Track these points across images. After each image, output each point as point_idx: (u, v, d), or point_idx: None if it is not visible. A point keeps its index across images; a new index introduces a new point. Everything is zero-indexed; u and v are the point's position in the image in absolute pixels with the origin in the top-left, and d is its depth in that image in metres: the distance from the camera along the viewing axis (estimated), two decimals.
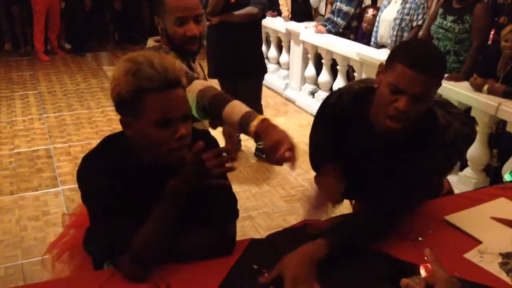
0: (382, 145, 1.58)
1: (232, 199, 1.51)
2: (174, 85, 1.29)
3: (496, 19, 4.00)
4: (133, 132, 1.34)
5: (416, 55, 1.43)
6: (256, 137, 1.47)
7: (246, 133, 1.50)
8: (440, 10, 3.94)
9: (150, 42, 1.92)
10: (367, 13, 5.10)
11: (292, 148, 1.36)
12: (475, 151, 3.58)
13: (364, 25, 5.13)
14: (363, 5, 5.53)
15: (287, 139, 1.37)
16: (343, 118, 1.66)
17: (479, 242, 1.57)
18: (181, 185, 1.34)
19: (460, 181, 3.70)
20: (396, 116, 1.46)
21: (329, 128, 1.71)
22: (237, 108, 1.53)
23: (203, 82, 1.70)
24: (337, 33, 5.41)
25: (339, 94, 1.71)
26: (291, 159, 1.35)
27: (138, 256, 1.33)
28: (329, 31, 5.38)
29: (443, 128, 1.55)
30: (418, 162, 1.52)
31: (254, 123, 1.45)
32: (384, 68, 1.51)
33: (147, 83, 1.26)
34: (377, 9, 5.08)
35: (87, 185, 1.39)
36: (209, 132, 1.57)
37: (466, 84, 3.61)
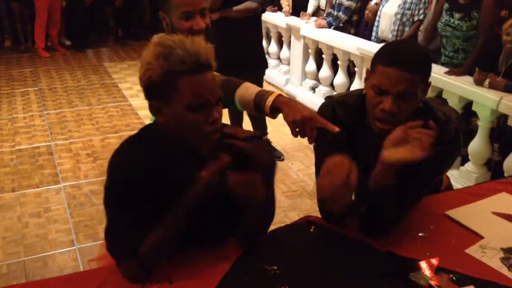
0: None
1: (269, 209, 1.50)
2: (206, 67, 1.27)
3: (497, 12, 3.98)
4: (164, 118, 1.30)
5: (394, 53, 1.44)
6: (272, 112, 1.51)
7: (261, 110, 1.53)
8: (446, 6, 3.91)
9: (155, 39, 1.92)
10: (371, 1, 5.07)
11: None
12: (477, 145, 3.57)
13: (366, 12, 5.10)
14: None
15: (316, 115, 1.44)
16: (343, 120, 1.61)
17: (481, 237, 1.56)
18: (194, 198, 1.32)
19: (462, 175, 3.70)
20: (384, 118, 1.46)
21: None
22: (250, 88, 1.56)
23: None
24: (337, 27, 5.39)
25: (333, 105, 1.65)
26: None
27: (144, 262, 1.32)
28: (329, 24, 5.36)
29: (443, 123, 1.54)
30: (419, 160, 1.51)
31: (271, 98, 1.49)
32: (368, 72, 1.52)
33: (179, 66, 1.23)
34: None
35: (113, 176, 1.36)
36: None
37: (467, 78, 3.60)
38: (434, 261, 1.43)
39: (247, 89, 1.58)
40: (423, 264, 1.42)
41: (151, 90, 1.29)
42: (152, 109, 1.32)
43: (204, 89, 1.27)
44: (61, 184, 3.77)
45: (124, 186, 1.32)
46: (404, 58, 1.42)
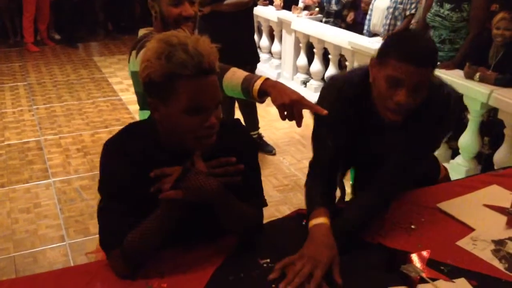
0: (387, 125, 1.56)
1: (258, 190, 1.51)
2: (207, 71, 1.23)
3: (488, 6, 3.99)
4: (160, 117, 1.29)
5: (409, 49, 1.44)
6: (260, 96, 1.52)
7: (249, 93, 1.53)
8: None
9: (141, 32, 1.91)
10: None
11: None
12: (467, 139, 3.59)
13: (362, 5, 5.10)
14: None
15: (304, 98, 1.44)
16: (349, 100, 1.61)
17: (472, 230, 1.57)
18: (163, 219, 1.30)
19: (452, 169, 3.71)
20: (397, 109, 1.47)
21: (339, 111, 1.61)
22: (238, 72, 1.57)
23: None
24: (327, 22, 5.39)
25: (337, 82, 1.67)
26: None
27: (127, 255, 1.31)
28: (325, 1, 5.38)
29: (435, 87, 1.55)
30: (416, 127, 1.55)
31: (258, 82, 1.51)
32: (376, 62, 1.51)
33: (180, 69, 1.20)
34: None
35: (103, 168, 1.35)
36: (239, 120, 1.54)
37: (457, 72, 3.61)
38: (425, 253, 1.43)
39: (235, 73, 1.58)
40: (414, 257, 1.42)
41: (149, 87, 1.26)
42: (150, 106, 1.30)
43: (203, 94, 1.25)
44: (51, 179, 3.74)
45: (115, 176, 1.32)
46: (418, 53, 1.43)
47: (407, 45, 1.45)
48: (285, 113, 1.45)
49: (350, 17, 5.54)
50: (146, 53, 1.25)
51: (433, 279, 1.34)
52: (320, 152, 1.66)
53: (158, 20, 1.86)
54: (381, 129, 1.58)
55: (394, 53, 1.44)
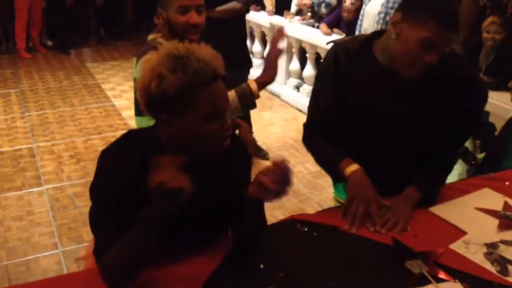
0: (406, 87, 1.64)
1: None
2: (218, 77, 1.25)
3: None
4: (175, 130, 1.27)
5: (447, 11, 1.49)
6: (260, 87, 1.85)
7: (247, 96, 1.82)
8: None
9: (150, 37, 1.95)
10: (345, 2, 5.10)
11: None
12: None
13: (344, 14, 5.13)
14: None
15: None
16: (347, 67, 1.67)
17: (464, 233, 1.58)
18: (155, 212, 1.22)
19: None
20: (422, 67, 1.54)
21: (335, 82, 1.70)
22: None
23: None
24: (319, 26, 5.42)
25: (335, 51, 1.72)
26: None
27: (106, 271, 1.27)
28: (315, 5, 5.46)
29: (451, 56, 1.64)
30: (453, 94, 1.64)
31: (250, 82, 1.85)
32: (406, 18, 1.52)
33: (197, 78, 1.20)
34: None
35: (100, 175, 1.33)
36: (235, 135, 1.55)
37: None
38: (436, 252, 1.44)
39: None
40: (424, 253, 1.43)
41: (163, 103, 1.23)
42: (162, 123, 1.28)
43: (219, 100, 1.26)
44: (43, 186, 3.72)
45: (113, 184, 1.29)
46: (456, 19, 1.51)
47: (446, 9, 1.49)
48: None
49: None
50: (154, 68, 1.21)
51: (439, 279, 1.34)
52: (315, 112, 1.78)
53: (166, 27, 1.89)
54: (397, 93, 1.64)
55: (434, 16, 1.46)
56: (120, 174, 1.28)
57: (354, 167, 1.65)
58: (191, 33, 1.85)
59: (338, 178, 1.78)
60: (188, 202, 1.26)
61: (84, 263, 1.71)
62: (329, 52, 1.74)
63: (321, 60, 1.79)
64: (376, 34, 1.73)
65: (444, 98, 1.65)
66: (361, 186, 1.60)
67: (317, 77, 1.83)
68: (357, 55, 1.67)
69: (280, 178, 1.34)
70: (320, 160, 1.81)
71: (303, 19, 5.76)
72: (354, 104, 1.69)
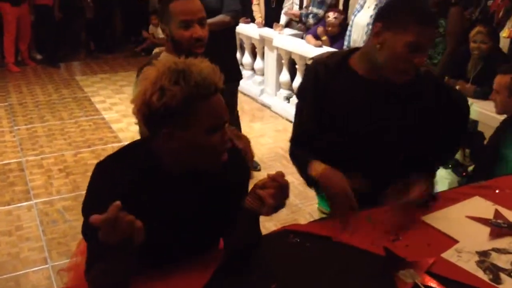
0: (388, 95, 1.67)
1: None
2: (219, 89, 1.27)
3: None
4: (174, 144, 1.26)
5: (426, 12, 1.53)
6: None
7: None
8: None
9: (156, 50, 1.96)
10: (328, 17, 5.14)
11: None
12: None
13: (329, 28, 5.18)
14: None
15: None
16: (327, 81, 1.69)
17: (456, 241, 1.58)
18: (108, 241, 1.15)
19: (435, 182, 3.75)
20: (411, 70, 1.57)
21: (317, 96, 1.72)
22: None
23: None
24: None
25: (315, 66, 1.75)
26: None
27: (92, 285, 1.27)
28: (303, 16, 5.51)
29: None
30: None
31: None
32: (387, 27, 1.55)
33: (199, 90, 1.21)
34: (339, 12, 5.14)
35: (94, 190, 1.31)
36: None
37: None
38: (426, 261, 1.44)
39: None
40: (414, 263, 1.43)
41: (163, 116, 1.22)
42: (163, 136, 1.27)
43: (220, 111, 1.27)
44: (33, 201, 3.68)
45: (106, 197, 1.23)
46: (433, 16, 1.55)
47: (424, 10, 1.53)
48: None
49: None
50: (154, 82, 1.21)
51: None
52: (299, 127, 1.78)
53: (170, 42, 1.89)
54: (377, 98, 1.65)
55: (415, 19, 1.49)
56: (113, 189, 1.26)
57: (320, 167, 1.64)
58: (195, 47, 1.86)
59: (314, 184, 1.79)
60: (183, 214, 1.26)
61: (67, 274, 1.70)
62: (309, 68, 1.78)
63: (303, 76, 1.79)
64: (354, 50, 1.76)
65: (426, 111, 1.68)
66: (336, 181, 1.58)
67: (299, 94, 1.85)
68: (336, 69, 1.70)
69: (278, 192, 1.33)
70: (300, 171, 1.81)
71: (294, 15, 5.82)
72: (336, 115, 1.70)
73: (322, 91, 1.69)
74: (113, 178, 1.29)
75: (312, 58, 1.81)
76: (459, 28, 3.84)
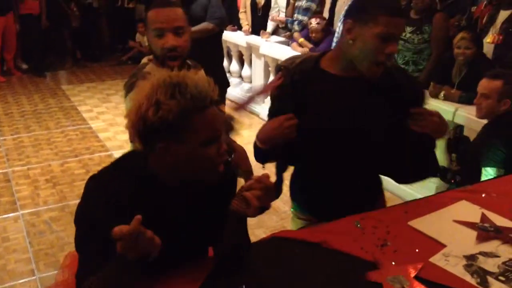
0: (362, 92, 1.70)
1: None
2: (214, 101, 1.27)
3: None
4: (170, 158, 1.26)
5: (393, 4, 1.61)
6: None
7: None
8: None
9: (144, 60, 1.93)
10: (311, 23, 5.17)
11: None
12: None
13: (312, 35, 5.21)
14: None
15: None
16: (302, 85, 1.72)
17: (443, 246, 1.59)
18: (126, 255, 1.18)
19: (422, 186, 3.77)
20: (385, 60, 1.62)
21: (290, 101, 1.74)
22: None
23: None
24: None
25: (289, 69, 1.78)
26: None
27: None
28: (288, 22, 5.53)
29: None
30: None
31: None
32: (358, 23, 1.60)
33: (196, 103, 1.21)
34: (321, 17, 5.17)
35: (86, 201, 1.29)
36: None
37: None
38: (414, 267, 1.44)
39: None
40: (402, 269, 1.43)
41: (159, 131, 1.22)
42: (159, 150, 1.26)
43: (216, 124, 1.28)
44: (19, 212, 3.64)
45: (100, 211, 1.25)
46: (400, 6, 1.61)
47: (392, 2, 1.61)
48: None
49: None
50: (149, 96, 1.20)
51: None
52: None
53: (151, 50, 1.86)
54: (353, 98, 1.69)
55: (384, 11, 1.56)
56: (109, 201, 1.26)
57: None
58: (169, 58, 1.80)
59: (269, 155, 1.86)
60: (177, 223, 1.26)
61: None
62: (283, 74, 1.77)
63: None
64: (323, 54, 1.80)
65: (398, 105, 1.69)
66: (266, 128, 1.72)
67: (274, 100, 1.83)
68: (310, 72, 1.73)
69: (263, 194, 1.34)
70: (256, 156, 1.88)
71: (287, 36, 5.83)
72: (318, 117, 1.71)
73: (299, 95, 1.72)
74: (108, 190, 1.28)
75: (283, 66, 1.80)
76: (443, 34, 3.88)
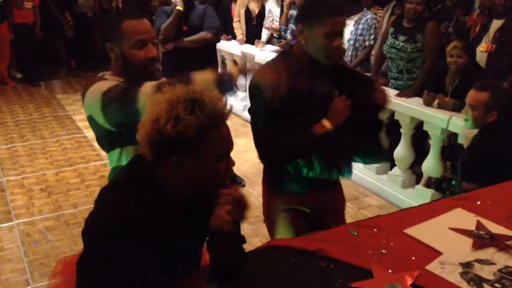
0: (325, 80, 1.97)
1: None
2: (226, 118, 1.32)
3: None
4: (182, 171, 1.29)
5: (335, 5, 1.87)
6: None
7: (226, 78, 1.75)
8: (391, 30, 4.08)
9: (100, 74, 1.93)
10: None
11: None
12: (430, 164, 3.69)
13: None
14: None
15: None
16: (280, 78, 1.91)
17: (440, 253, 1.60)
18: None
19: (417, 194, 3.79)
20: (337, 51, 1.91)
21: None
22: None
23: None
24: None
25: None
26: None
27: None
28: (282, 30, 5.58)
29: None
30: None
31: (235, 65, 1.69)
32: (307, 26, 1.88)
33: (214, 120, 1.25)
34: None
35: (97, 217, 1.29)
36: None
37: (417, 99, 3.73)
38: (411, 275, 1.45)
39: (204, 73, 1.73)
40: (399, 277, 1.44)
41: (176, 144, 1.24)
42: (172, 164, 1.27)
43: (229, 140, 1.33)
44: (14, 221, 3.61)
45: (110, 228, 1.25)
46: (340, 5, 1.89)
47: (333, 3, 1.87)
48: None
49: None
50: (168, 111, 1.21)
51: None
52: (267, 129, 1.94)
53: (119, 62, 1.83)
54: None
55: (327, 12, 1.84)
56: (117, 219, 1.25)
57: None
58: (150, 65, 1.82)
59: (314, 150, 1.96)
60: (182, 231, 1.33)
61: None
62: (262, 73, 1.97)
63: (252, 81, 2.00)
64: (285, 53, 2.12)
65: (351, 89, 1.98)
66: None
67: (253, 98, 1.98)
68: (284, 67, 1.95)
69: (234, 207, 1.37)
70: (291, 149, 1.94)
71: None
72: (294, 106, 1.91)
73: (277, 88, 1.89)
74: (116, 208, 1.27)
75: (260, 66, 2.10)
76: (436, 43, 3.91)
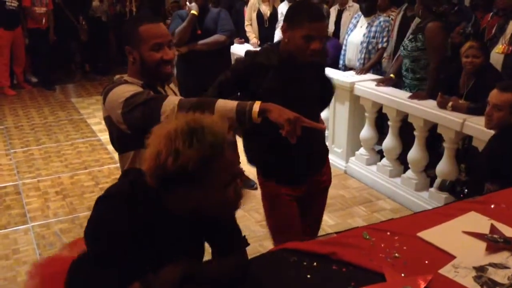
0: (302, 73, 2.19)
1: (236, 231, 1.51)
2: (227, 141, 1.28)
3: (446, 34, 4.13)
4: (189, 202, 1.28)
5: (313, 12, 2.04)
6: (259, 114, 1.63)
7: (245, 113, 1.63)
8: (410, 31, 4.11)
9: (117, 76, 1.96)
10: None
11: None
12: (444, 166, 3.66)
13: None
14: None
15: (302, 117, 1.65)
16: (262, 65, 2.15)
17: (453, 257, 1.59)
18: None
19: (431, 197, 3.76)
20: (315, 54, 2.06)
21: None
22: (229, 101, 1.67)
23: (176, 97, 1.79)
24: None
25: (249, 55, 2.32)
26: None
27: None
28: None
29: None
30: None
31: (256, 102, 1.64)
32: (289, 27, 2.07)
33: (215, 150, 1.21)
34: None
35: (103, 227, 1.29)
36: None
37: (430, 102, 3.70)
38: (426, 278, 1.45)
39: (227, 102, 1.67)
40: (414, 280, 1.43)
41: (179, 178, 1.23)
42: (181, 196, 1.28)
43: (234, 164, 1.32)
44: (29, 224, 3.67)
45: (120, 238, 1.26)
46: (320, 13, 2.09)
47: (312, 10, 2.05)
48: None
49: None
50: (168, 145, 1.20)
51: None
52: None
53: (137, 65, 1.88)
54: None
55: (306, 17, 2.00)
56: (119, 237, 1.26)
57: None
58: (165, 67, 1.87)
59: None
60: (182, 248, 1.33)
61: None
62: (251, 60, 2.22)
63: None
64: (276, 43, 2.34)
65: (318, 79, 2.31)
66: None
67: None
68: (269, 55, 2.17)
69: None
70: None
71: None
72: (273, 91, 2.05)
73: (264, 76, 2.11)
74: (117, 229, 1.27)
75: (247, 51, 2.42)
76: (439, 43, 3.85)
